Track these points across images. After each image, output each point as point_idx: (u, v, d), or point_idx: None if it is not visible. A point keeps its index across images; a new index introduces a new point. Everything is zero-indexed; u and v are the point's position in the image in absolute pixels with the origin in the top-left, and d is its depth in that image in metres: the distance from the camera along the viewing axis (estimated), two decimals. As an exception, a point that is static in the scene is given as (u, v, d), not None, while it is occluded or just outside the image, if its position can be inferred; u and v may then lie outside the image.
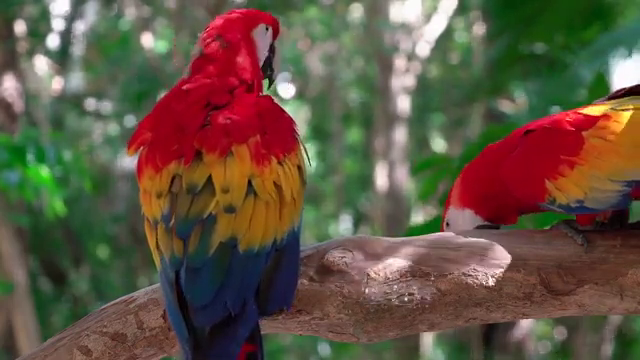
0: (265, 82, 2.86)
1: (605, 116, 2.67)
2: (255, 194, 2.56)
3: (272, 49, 2.85)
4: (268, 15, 2.84)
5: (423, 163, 5.12)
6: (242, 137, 2.59)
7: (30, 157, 7.41)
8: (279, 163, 2.60)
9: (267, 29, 2.82)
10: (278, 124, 2.67)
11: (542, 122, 2.77)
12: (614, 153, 2.64)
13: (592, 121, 2.67)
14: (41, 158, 7.41)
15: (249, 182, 2.56)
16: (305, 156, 2.71)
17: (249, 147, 2.58)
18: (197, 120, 2.62)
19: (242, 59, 2.74)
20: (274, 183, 2.58)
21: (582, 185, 2.66)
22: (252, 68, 2.75)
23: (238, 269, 2.52)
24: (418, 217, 13.51)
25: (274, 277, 2.57)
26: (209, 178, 2.55)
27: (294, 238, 2.62)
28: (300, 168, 2.66)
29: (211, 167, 2.56)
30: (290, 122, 2.71)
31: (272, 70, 2.87)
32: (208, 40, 2.75)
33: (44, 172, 7.42)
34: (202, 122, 2.61)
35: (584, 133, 2.66)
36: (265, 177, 2.57)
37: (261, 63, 2.82)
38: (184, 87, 2.70)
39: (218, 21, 2.79)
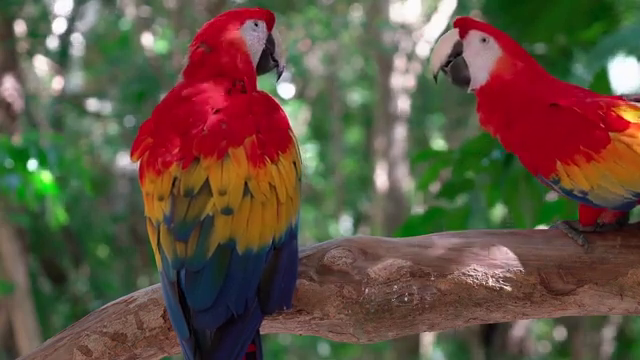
0: (273, 74, 2.87)
1: (637, 125, 2.67)
2: (251, 195, 2.56)
3: (270, 41, 2.84)
4: (256, 10, 2.83)
5: (422, 154, 5.11)
6: (238, 139, 2.60)
7: (32, 161, 7.40)
8: (274, 163, 2.61)
9: (257, 24, 2.81)
10: (272, 121, 2.68)
11: (572, 100, 2.74)
12: (634, 164, 2.64)
13: (624, 125, 2.67)
14: (43, 161, 7.41)
15: (245, 184, 2.57)
16: (299, 151, 2.72)
17: (245, 149, 2.59)
18: (196, 124, 2.63)
19: (229, 59, 2.75)
20: (269, 184, 2.59)
21: (591, 179, 2.67)
22: (242, 65, 2.76)
23: (238, 270, 2.53)
24: (418, 217, 13.45)
25: (274, 275, 2.58)
26: (206, 181, 2.57)
27: (292, 236, 2.63)
28: (295, 164, 2.67)
29: (208, 170, 2.58)
30: (283, 118, 2.72)
31: (275, 61, 2.85)
32: (193, 48, 2.78)
33: (47, 178, 7.42)
34: (201, 126, 2.62)
35: (612, 134, 2.67)
36: (260, 179, 2.58)
37: (257, 57, 2.81)
38: (182, 92, 2.71)
39: (203, 28, 2.80)
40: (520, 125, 2.76)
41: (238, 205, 2.55)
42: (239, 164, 2.58)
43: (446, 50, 2.86)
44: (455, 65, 2.86)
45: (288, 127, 2.71)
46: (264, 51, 2.82)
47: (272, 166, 2.61)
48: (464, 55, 2.84)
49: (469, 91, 2.86)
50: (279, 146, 2.65)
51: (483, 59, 2.83)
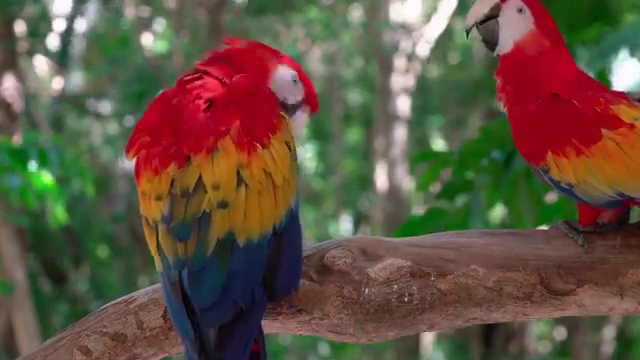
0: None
1: (631, 125, 2.66)
2: (246, 185, 2.53)
3: (294, 107, 2.78)
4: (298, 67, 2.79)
5: (421, 155, 5.10)
6: (223, 130, 2.56)
7: (33, 162, 7.40)
8: (265, 147, 2.57)
9: (295, 81, 2.76)
10: (256, 104, 2.62)
11: (573, 92, 2.73)
12: (622, 164, 2.64)
13: (617, 124, 2.67)
14: (43, 162, 7.41)
15: (238, 173, 2.53)
16: (291, 128, 2.66)
17: (232, 137, 2.55)
18: (186, 121, 2.60)
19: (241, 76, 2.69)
20: (264, 171, 2.55)
21: (579, 174, 2.68)
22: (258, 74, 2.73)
23: (241, 263, 2.50)
24: (418, 217, 13.45)
25: (278, 260, 2.55)
26: (199, 178, 2.53)
27: (293, 217, 2.59)
28: (288, 144, 2.62)
29: (200, 167, 2.54)
30: (269, 97, 2.66)
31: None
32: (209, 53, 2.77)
33: (47, 178, 7.41)
34: (190, 123, 2.59)
35: (604, 131, 2.67)
36: (253, 166, 2.54)
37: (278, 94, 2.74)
38: (173, 89, 2.70)
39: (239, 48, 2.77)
40: (521, 110, 2.77)
41: (233, 197, 2.51)
42: (228, 154, 2.53)
43: (484, 9, 2.84)
44: (488, 26, 2.85)
45: (274, 106, 2.64)
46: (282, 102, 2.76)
47: (264, 151, 2.56)
48: (498, 19, 2.83)
49: (495, 54, 2.86)
50: (268, 128, 2.59)
51: (514, 28, 2.82)
